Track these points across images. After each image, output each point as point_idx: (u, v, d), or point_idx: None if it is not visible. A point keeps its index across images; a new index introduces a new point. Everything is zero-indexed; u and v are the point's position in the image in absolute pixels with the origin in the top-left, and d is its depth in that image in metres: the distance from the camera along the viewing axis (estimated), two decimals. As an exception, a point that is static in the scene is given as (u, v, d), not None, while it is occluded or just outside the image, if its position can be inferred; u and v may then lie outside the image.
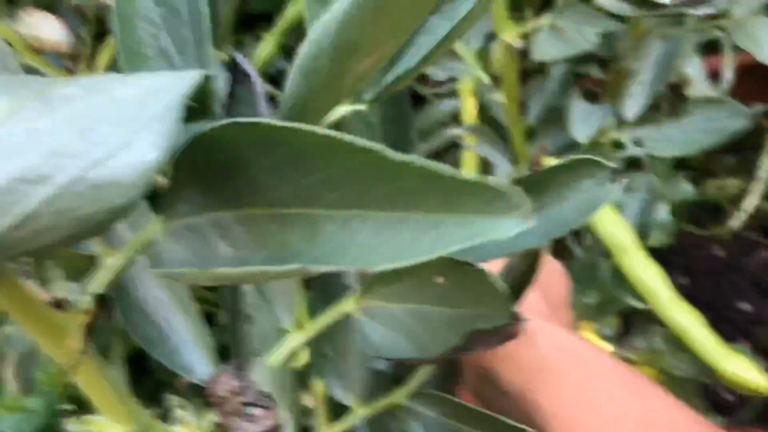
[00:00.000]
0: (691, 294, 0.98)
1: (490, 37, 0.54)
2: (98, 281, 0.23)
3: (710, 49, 0.72)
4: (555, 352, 0.33)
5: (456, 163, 0.56)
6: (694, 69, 0.56)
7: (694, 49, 0.56)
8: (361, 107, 0.24)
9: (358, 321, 0.28)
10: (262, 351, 0.31)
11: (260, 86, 0.26)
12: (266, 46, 0.45)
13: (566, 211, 0.25)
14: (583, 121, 0.49)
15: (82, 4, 0.45)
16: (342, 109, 0.24)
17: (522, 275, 0.27)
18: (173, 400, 0.30)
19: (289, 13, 0.46)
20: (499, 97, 0.45)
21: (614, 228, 0.48)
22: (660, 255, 1.02)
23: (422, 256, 0.15)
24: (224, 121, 0.17)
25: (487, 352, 0.32)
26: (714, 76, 0.61)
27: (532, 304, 0.32)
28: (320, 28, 0.17)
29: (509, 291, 0.21)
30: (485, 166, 0.57)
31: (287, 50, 0.59)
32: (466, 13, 0.21)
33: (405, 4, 0.16)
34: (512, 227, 0.13)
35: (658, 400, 0.32)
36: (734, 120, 0.51)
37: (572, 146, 0.52)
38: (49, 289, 0.22)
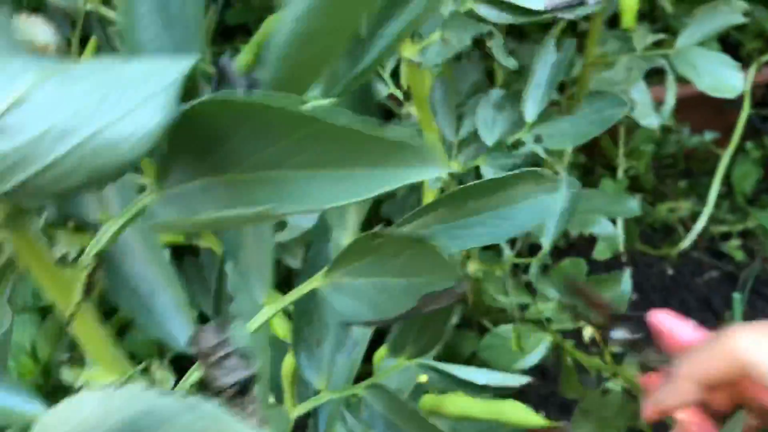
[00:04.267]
0: (641, 309, 1.02)
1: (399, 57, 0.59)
2: (99, 241, 0.26)
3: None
4: None
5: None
6: (639, 94, 0.61)
7: (640, 75, 0.60)
8: (331, 100, 0.28)
9: (325, 293, 0.32)
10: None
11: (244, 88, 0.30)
12: (245, 57, 0.49)
13: (519, 214, 0.30)
14: (489, 125, 0.54)
15: (67, 8, 0.49)
16: (312, 104, 0.28)
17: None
18: (154, 364, 0.33)
19: (266, 26, 0.49)
20: (411, 109, 0.48)
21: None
22: (612, 271, 1.07)
23: (369, 195, 0.19)
24: (204, 97, 0.21)
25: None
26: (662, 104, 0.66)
27: None
28: (287, 22, 0.21)
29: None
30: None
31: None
32: (413, 17, 0.25)
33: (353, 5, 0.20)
34: (434, 172, 0.17)
35: None
36: (617, 109, 0.55)
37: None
38: (54, 247, 0.26)
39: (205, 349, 0.27)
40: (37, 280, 0.25)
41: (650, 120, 0.75)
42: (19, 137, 0.19)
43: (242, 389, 0.27)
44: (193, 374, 0.33)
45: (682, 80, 0.76)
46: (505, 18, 0.43)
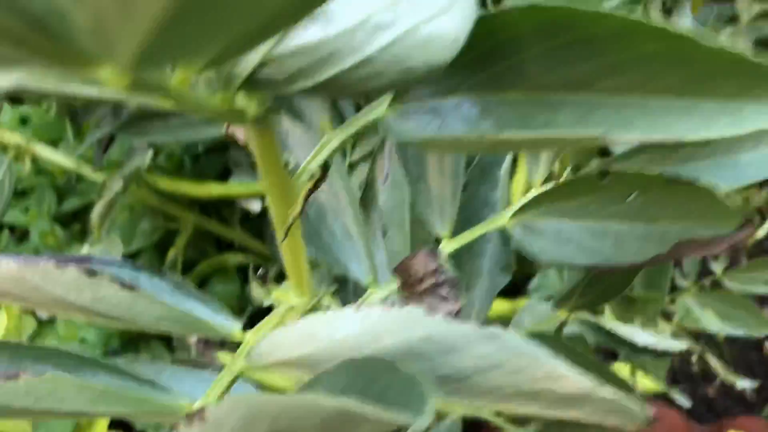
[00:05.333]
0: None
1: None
2: (322, 154, 0.25)
3: None
4: None
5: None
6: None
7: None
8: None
9: (514, 233, 0.30)
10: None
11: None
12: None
13: (746, 164, 0.28)
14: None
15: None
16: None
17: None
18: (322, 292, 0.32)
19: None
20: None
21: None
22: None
23: (714, 134, 0.17)
24: (520, 4, 0.19)
25: None
26: None
27: None
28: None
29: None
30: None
31: None
32: None
33: None
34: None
35: None
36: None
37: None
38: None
39: (418, 276, 0.26)
40: (265, 185, 0.24)
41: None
42: (335, 25, 0.17)
43: (450, 323, 0.26)
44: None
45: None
46: None
